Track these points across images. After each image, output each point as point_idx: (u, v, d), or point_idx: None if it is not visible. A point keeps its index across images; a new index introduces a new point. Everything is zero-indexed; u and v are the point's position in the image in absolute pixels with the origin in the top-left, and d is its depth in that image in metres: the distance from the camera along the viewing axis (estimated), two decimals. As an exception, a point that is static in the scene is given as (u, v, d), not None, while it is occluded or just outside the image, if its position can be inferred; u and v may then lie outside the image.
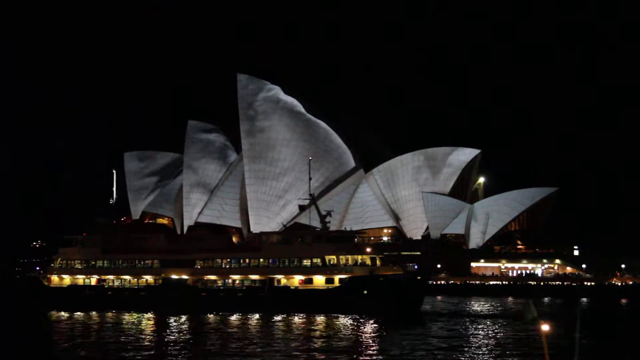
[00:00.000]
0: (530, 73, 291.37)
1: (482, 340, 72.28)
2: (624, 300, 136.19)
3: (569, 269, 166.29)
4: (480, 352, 64.26)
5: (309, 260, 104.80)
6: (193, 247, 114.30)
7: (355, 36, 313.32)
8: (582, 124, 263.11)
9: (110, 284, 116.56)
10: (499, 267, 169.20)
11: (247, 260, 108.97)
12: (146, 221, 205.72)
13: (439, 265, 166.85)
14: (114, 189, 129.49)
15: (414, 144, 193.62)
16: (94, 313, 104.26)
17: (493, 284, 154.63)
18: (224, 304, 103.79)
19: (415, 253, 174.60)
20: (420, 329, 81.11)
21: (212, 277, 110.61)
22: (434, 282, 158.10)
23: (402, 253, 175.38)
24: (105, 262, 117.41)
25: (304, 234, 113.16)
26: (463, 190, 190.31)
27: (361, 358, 61.73)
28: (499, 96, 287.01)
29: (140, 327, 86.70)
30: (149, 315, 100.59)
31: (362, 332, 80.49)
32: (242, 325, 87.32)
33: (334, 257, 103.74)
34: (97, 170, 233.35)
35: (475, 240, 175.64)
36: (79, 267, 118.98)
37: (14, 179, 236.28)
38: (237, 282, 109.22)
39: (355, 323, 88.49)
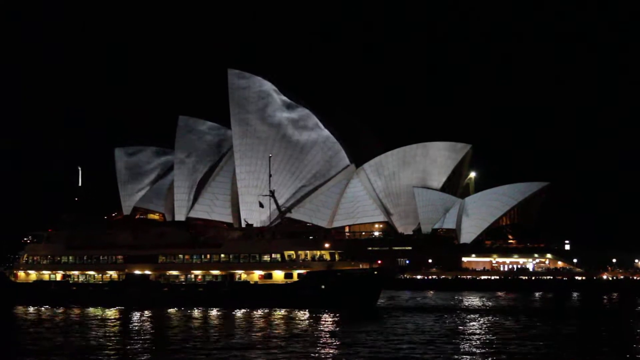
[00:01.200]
0: (526, 70, 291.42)
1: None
2: (614, 295, 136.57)
3: (560, 264, 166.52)
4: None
5: (269, 256, 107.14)
6: (156, 243, 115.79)
7: (350, 34, 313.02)
8: (576, 120, 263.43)
9: (75, 279, 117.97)
10: (490, 261, 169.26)
11: (209, 256, 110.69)
12: (137, 216, 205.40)
13: (430, 260, 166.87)
14: (80, 185, 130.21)
15: (405, 139, 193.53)
16: (59, 308, 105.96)
17: (484, 279, 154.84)
18: (185, 299, 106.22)
19: (407, 248, 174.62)
20: (375, 323, 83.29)
21: (174, 273, 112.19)
22: (425, 277, 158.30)
23: (394, 248, 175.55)
24: (70, 257, 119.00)
25: (263, 230, 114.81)
26: (454, 185, 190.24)
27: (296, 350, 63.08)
28: (492, 91, 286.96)
29: (100, 322, 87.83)
30: (113, 310, 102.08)
31: (312, 326, 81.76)
32: (201, 320, 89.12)
33: (293, 252, 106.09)
34: (89, 165, 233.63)
35: (466, 235, 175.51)
36: (45, 262, 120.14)
37: (15, 177, 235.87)
38: (199, 277, 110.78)
39: (310, 317, 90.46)
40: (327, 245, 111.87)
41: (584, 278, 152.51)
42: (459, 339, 69.76)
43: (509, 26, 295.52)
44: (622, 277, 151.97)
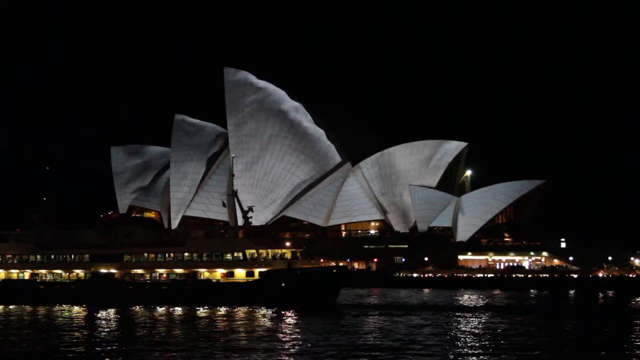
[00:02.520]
0: (526, 69, 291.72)
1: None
2: (610, 292, 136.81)
3: (556, 262, 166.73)
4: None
5: (231, 255, 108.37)
6: (122, 242, 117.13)
7: (346, 30, 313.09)
8: (573, 119, 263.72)
9: (43, 278, 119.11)
10: (486, 259, 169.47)
11: (172, 255, 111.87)
12: (133, 215, 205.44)
13: (426, 258, 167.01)
14: (47, 184, 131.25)
15: (401, 137, 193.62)
16: (26, 307, 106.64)
17: (480, 277, 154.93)
18: (150, 297, 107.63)
19: (403, 246, 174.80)
20: (334, 320, 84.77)
21: (139, 271, 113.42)
22: (422, 275, 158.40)
23: (390, 246, 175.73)
24: (38, 256, 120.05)
25: (225, 229, 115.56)
26: (450, 183, 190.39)
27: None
28: (490, 89, 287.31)
29: (64, 320, 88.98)
30: (78, 308, 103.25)
31: (263, 324, 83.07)
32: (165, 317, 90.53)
33: (254, 251, 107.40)
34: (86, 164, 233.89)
35: (462, 233, 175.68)
36: (13, 261, 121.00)
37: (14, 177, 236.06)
38: (164, 275, 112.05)
39: (269, 314, 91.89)
40: (288, 243, 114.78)
41: (579, 276, 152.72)
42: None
43: (508, 25, 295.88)
44: (617, 274, 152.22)
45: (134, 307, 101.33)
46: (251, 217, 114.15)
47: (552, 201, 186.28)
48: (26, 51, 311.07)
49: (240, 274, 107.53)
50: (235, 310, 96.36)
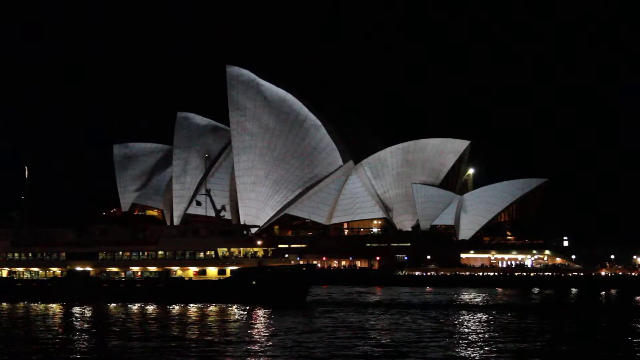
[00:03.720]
0: (526, 67, 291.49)
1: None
2: (613, 291, 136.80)
3: (558, 260, 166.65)
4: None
5: (203, 253, 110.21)
6: (98, 240, 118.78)
7: (347, 32, 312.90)
8: (573, 116, 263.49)
9: (21, 275, 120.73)
10: (489, 258, 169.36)
11: (146, 253, 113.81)
12: (135, 213, 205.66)
13: (428, 257, 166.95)
14: (26, 183, 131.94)
15: (403, 135, 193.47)
16: (4, 304, 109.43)
17: (483, 275, 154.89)
18: (124, 295, 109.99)
19: (405, 244, 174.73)
20: (304, 317, 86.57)
21: (114, 269, 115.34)
22: (424, 274, 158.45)
23: (392, 244, 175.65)
24: (16, 254, 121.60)
25: (198, 228, 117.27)
26: (453, 181, 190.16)
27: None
28: (490, 87, 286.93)
29: (42, 317, 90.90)
30: (55, 305, 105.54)
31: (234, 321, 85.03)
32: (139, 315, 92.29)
33: (226, 249, 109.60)
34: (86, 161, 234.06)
35: (465, 231, 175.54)
36: None
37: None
38: (138, 273, 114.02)
39: (240, 311, 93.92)
40: (259, 242, 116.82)
41: (582, 274, 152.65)
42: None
43: (509, 23, 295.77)
44: (620, 273, 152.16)
45: (108, 304, 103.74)
46: (224, 216, 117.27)
47: (554, 199, 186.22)
48: (25, 49, 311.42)
49: (212, 272, 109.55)
50: (207, 307, 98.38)
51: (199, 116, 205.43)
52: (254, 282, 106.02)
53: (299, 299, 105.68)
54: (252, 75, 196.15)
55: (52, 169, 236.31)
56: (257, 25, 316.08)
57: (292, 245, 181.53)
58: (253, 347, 63.64)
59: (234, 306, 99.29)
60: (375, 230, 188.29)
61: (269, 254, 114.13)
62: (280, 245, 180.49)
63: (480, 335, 70.55)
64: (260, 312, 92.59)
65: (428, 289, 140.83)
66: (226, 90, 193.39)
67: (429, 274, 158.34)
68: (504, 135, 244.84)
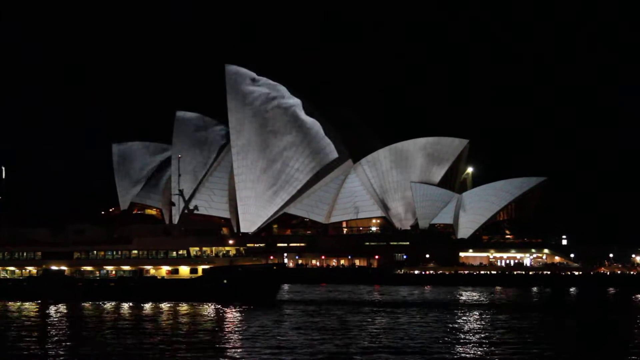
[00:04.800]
0: (526, 65, 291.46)
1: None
2: (611, 290, 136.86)
3: (557, 259, 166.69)
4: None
5: (176, 252, 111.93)
6: (72, 239, 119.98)
7: (346, 30, 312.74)
8: (572, 115, 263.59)
9: None
10: (488, 256, 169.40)
11: (120, 252, 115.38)
12: (134, 212, 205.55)
13: (427, 255, 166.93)
14: (2, 183, 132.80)
15: (402, 134, 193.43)
16: None
17: (482, 274, 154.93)
18: (98, 293, 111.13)
19: (404, 243, 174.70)
20: (275, 315, 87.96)
21: (89, 268, 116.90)
22: (423, 272, 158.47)
23: (391, 243, 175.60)
24: None
25: (171, 227, 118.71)
26: (451, 180, 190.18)
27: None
28: (490, 86, 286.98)
29: (18, 315, 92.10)
30: (30, 304, 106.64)
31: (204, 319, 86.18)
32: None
33: (198, 248, 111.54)
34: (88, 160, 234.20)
35: (464, 230, 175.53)
36: None
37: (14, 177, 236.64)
38: (112, 272, 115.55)
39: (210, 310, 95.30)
40: (231, 241, 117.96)
41: (581, 273, 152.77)
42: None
43: (509, 22, 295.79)
44: (619, 272, 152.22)
45: (83, 303, 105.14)
46: (189, 211, 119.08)
47: (553, 198, 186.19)
48: (25, 48, 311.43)
49: (184, 271, 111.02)
50: (178, 306, 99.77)
51: (197, 115, 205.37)
52: (225, 281, 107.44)
53: (270, 298, 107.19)
54: (252, 74, 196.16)
55: (50, 168, 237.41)
56: (258, 24, 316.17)
57: (291, 244, 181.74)
58: (220, 346, 64.72)
59: (206, 304, 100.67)
60: (374, 229, 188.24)
61: (242, 252, 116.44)
62: (279, 244, 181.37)
63: (471, 334, 70.57)
64: (230, 311, 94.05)
65: (427, 287, 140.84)
66: (225, 89, 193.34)
67: (427, 272, 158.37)
68: (504, 135, 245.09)
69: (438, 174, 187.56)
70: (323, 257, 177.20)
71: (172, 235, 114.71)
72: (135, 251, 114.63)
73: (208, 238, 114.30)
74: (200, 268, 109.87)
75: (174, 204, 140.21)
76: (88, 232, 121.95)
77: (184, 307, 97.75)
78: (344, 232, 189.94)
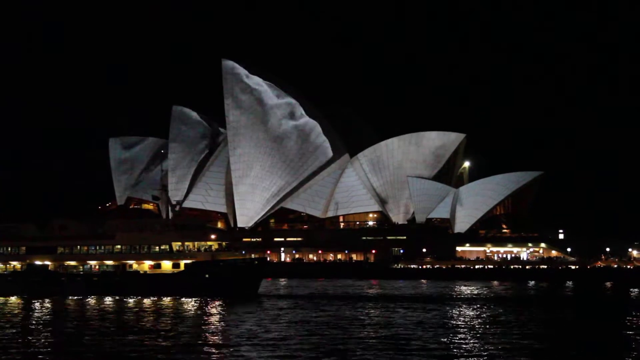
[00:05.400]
0: (525, 63, 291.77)
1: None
2: (608, 284, 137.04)
3: (554, 253, 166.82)
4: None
5: (158, 247, 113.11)
6: (57, 235, 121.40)
7: (346, 28, 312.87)
8: (569, 111, 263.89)
9: None
10: (484, 251, 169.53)
11: (104, 247, 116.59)
12: (131, 206, 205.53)
13: (424, 250, 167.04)
14: None
15: (399, 128, 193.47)
16: None
17: (478, 268, 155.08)
18: (81, 288, 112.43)
19: (401, 237, 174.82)
20: (253, 308, 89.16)
21: (72, 263, 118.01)
22: (420, 267, 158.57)
23: (388, 237, 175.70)
24: None
25: (154, 223, 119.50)
26: (448, 174, 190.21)
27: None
28: (488, 81, 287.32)
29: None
30: (15, 298, 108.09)
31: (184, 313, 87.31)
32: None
33: (180, 243, 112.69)
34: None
35: (461, 225, 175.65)
36: None
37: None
38: (96, 267, 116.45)
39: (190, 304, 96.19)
40: (213, 236, 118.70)
41: (577, 267, 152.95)
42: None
43: (509, 21, 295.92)
44: (615, 266, 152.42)
45: (67, 297, 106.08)
46: (178, 210, 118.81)
47: (550, 192, 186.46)
48: (24, 46, 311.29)
49: (167, 265, 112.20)
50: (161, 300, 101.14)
51: (194, 110, 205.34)
52: (207, 276, 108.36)
53: (251, 292, 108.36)
54: (248, 69, 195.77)
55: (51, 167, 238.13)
56: (257, 21, 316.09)
57: (288, 239, 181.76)
58: (199, 340, 65.39)
59: (188, 298, 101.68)
60: (371, 223, 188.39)
61: (224, 247, 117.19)
62: (276, 239, 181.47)
63: (464, 328, 70.70)
64: (212, 305, 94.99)
65: (424, 281, 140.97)
66: (222, 84, 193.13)
67: (424, 267, 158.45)
68: (502, 129, 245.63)
69: (435, 168, 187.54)
70: (320, 252, 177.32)
71: (155, 230, 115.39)
72: (118, 246, 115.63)
73: (190, 233, 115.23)
74: (182, 263, 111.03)
75: (158, 199, 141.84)
76: (71, 227, 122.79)
77: (165, 302, 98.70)
78: (341, 226, 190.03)
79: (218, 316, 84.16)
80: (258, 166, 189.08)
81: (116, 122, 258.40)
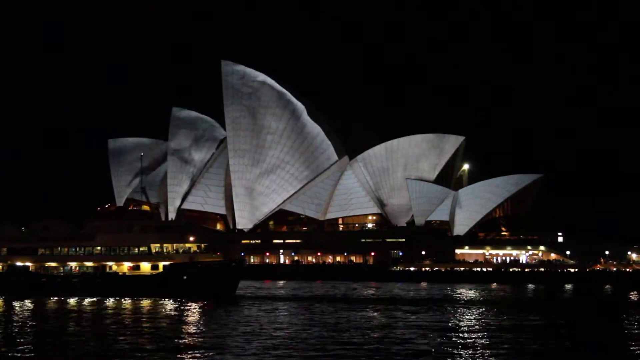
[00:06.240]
0: (524, 65, 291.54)
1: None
2: (607, 287, 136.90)
3: (553, 256, 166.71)
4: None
5: (137, 249, 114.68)
6: (40, 236, 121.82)
7: (348, 28, 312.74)
8: (576, 117, 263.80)
9: None
10: (484, 253, 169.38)
11: (84, 249, 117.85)
12: (130, 208, 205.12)
13: (423, 252, 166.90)
14: None
15: (399, 131, 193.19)
16: None
17: (477, 271, 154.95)
18: (62, 289, 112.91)
19: (400, 240, 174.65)
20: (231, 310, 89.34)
21: (53, 264, 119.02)
22: (419, 269, 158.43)
23: (387, 240, 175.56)
24: None
25: (133, 225, 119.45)
26: (448, 176, 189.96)
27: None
28: (488, 81, 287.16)
29: None
30: None
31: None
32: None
33: (158, 245, 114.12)
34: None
35: (460, 227, 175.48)
36: None
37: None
38: (76, 268, 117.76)
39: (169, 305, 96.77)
40: (192, 238, 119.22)
41: (576, 270, 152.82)
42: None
43: (509, 23, 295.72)
44: (614, 269, 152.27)
45: (47, 299, 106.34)
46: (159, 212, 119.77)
47: (549, 195, 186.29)
48: (24, 46, 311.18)
49: (145, 267, 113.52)
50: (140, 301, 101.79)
51: (194, 111, 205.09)
52: (185, 277, 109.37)
53: (229, 293, 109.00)
54: (248, 70, 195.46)
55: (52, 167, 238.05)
56: (256, 21, 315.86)
57: (287, 241, 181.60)
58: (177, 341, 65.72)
59: (166, 300, 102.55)
60: (370, 225, 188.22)
61: (203, 249, 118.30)
62: (275, 241, 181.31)
63: (461, 332, 70.57)
64: (189, 306, 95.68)
65: (423, 284, 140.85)
66: (221, 85, 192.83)
67: (423, 269, 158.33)
68: (501, 132, 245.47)
69: (434, 170, 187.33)
70: (319, 254, 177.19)
71: (134, 231, 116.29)
72: (98, 248, 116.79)
73: (168, 235, 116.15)
74: (161, 264, 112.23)
75: (135, 200, 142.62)
76: (52, 228, 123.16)
77: (144, 303, 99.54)
78: (340, 228, 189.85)
79: (190, 317, 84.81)
80: (258, 168, 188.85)
81: (116, 122, 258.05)
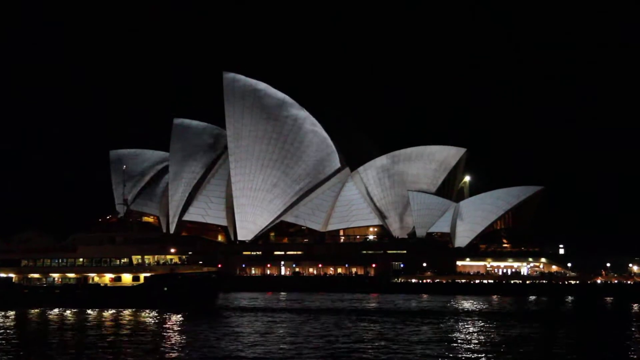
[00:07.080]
0: (525, 72, 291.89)
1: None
2: (608, 299, 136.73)
3: (554, 268, 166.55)
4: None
5: (118, 260, 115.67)
6: (20, 247, 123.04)
7: (346, 36, 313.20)
8: (576, 124, 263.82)
9: None
10: (485, 265, 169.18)
11: (66, 260, 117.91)
12: (131, 220, 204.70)
13: (424, 264, 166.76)
14: None
15: (400, 142, 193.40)
16: None
17: (478, 283, 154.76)
18: (44, 300, 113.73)
19: (401, 251, 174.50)
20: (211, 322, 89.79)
21: (36, 275, 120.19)
22: (420, 281, 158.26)
23: (388, 251, 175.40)
24: None
25: (114, 236, 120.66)
26: (449, 188, 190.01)
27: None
28: (488, 95, 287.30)
29: None
30: None
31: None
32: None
33: (140, 256, 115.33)
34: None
35: (461, 239, 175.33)
36: None
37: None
38: (59, 279, 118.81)
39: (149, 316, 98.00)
40: (173, 250, 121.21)
41: (578, 282, 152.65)
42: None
43: (510, 25, 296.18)
44: (616, 281, 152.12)
45: (29, 310, 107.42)
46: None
47: (550, 207, 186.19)
48: (24, 51, 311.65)
49: (127, 278, 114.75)
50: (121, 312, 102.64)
51: (195, 122, 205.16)
52: (165, 289, 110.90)
53: (209, 304, 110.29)
54: (249, 81, 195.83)
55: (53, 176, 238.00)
56: (257, 29, 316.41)
57: (288, 252, 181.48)
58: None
59: (147, 311, 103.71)
60: (371, 237, 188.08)
61: (184, 261, 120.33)
62: (276, 252, 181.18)
63: (460, 342, 70.46)
64: (169, 317, 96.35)
65: (424, 296, 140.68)
66: (223, 96, 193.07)
67: (424, 281, 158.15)
68: (503, 143, 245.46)
69: (435, 182, 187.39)
70: (320, 265, 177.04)
71: (116, 243, 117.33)
72: (80, 259, 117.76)
73: (149, 247, 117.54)
74: (142, 276, 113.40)
75: (118, 213, 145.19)
76: (35, 240, 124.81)
77: (125, 313, 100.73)
78: (341, 240, 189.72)
79: (170, 329, 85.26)
80: (260, 179, 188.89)
81: (117, 131, 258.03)
